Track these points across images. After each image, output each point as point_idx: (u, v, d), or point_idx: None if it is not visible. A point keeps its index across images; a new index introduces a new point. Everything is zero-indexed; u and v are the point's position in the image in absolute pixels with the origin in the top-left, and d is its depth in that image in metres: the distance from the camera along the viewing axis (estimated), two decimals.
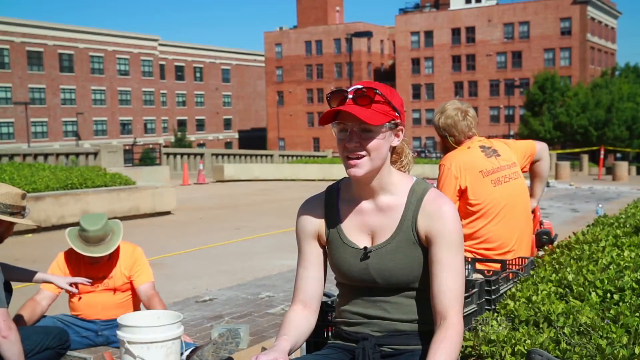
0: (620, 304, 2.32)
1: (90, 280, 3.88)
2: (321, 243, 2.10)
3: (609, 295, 2.44)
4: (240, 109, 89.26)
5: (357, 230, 2.03)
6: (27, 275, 3.69)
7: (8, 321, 3.07)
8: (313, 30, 77.71)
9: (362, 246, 2.01)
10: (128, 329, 3.28)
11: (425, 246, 1.97)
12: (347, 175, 2.03)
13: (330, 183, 2.19)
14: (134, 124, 73.66)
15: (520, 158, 3.89)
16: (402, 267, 1.96)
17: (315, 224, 2.08)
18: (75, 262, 3.99)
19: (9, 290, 3.29)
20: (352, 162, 1.91)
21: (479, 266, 3.32)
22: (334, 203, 2.08)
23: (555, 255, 3.23)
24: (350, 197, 2.06)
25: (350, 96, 1.91)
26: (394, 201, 2.00)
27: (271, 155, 31.58)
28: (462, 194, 3.65)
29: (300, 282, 2.10)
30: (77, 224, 4.00)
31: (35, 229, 10.05)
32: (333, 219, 2.06)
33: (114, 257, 4.02)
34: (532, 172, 4.07)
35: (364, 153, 1.90)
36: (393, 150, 2.04)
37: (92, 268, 3.97)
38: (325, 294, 2.30)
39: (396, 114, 1.94)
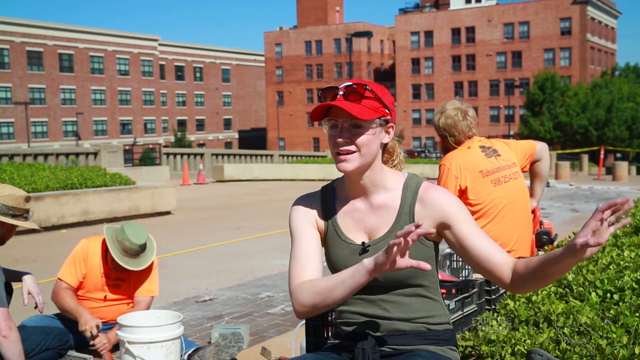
0: (620, 304, 2.32)
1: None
2: (319, 235, 2.07)
3: (609, 295, 2.44)
4: (240, 109, 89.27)
5: (353, 228, 2.02)
6: (16, 277, 3.64)
7: (9, 321, 3.07)
8: (313, 30, 77.71)
9: (359, 242, 2.01)
10: (128, 329, 3.29)
11: (426, 239, 1.97)
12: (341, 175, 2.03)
13: None
14: (134, 124, 73.65)
15: (521, 158, 3.90)
16: None
17: (313, 216, 2.06)
18: (99, 257, 3.95)
19: (9, 291, 3.29)
20: (342, 157, 1.91)
21: None
22: (329, 201, 2.07)
23: None
24: (345, 195, 2.05)
25: (341, 92, 1.93)
26: (388, 198, 2.00)
27: (271, 155, 31.58)
28: (462, 193, 3.66)
29: (304, 260, 1.98)
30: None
31: (35, 229, 10.04)
32: (329, 216, 2.05)
33: None
34: (532, 172, 4.07)
35: (353, 148, 1.90)
36: (384, 149, 2.05)
37: (110, 269, 3.94)
38: None
39: (386, 110, 1.95)
